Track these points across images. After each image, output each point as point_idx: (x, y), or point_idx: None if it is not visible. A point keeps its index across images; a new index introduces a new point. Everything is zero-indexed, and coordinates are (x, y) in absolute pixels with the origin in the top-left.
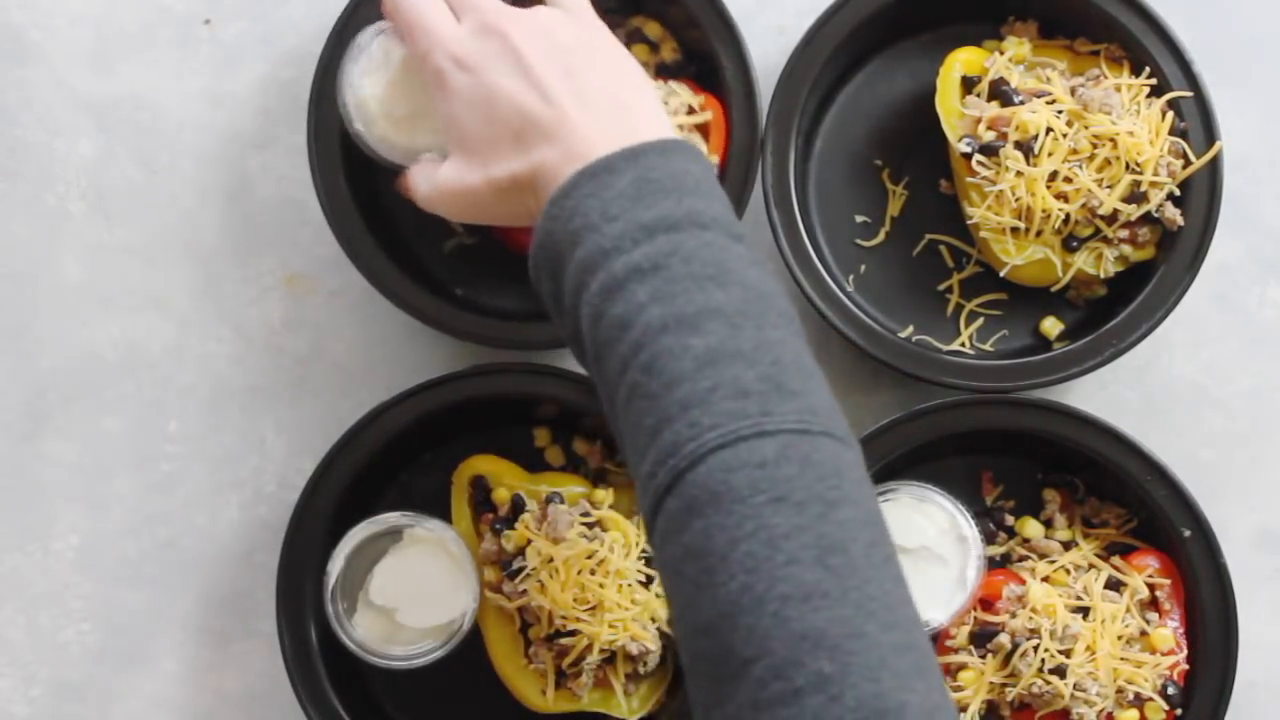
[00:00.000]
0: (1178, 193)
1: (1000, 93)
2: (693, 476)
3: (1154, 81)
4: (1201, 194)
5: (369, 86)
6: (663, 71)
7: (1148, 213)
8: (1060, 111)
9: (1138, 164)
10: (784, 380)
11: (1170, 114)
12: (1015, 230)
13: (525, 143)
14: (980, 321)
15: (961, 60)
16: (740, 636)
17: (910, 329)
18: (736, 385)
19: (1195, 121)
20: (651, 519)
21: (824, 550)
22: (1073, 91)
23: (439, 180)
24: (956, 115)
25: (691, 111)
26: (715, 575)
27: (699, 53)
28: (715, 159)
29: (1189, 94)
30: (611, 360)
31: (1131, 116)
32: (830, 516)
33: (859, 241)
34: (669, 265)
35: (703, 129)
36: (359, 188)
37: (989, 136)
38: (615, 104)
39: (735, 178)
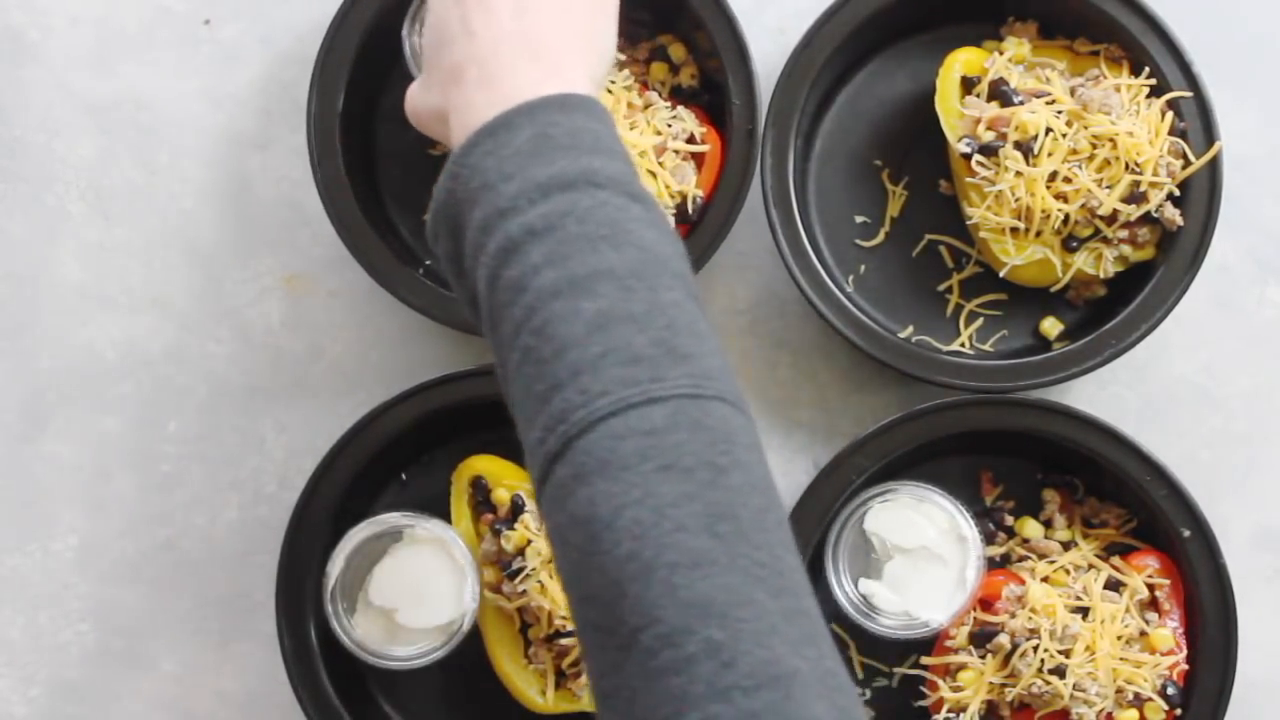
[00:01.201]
0: (1177, 193)
1: (1000, 93)
2: (582, 444)
3: (1154, 81)
4: (1201, 194)
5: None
6: (677, 95)
7: (1147, 213)
8: (1060, 112)
9: (1137, 164)
10: (676, 344)
11: (1170, 114)
12: (1015, 230)
13: (444, 78)
14: (980, 321)
15: (961, 60)
16: (629, 605)
17: (910, 329)
18: (628, 350)
19: (1195, 121)
20: (540, 487)
21: (713, 517)
22: (1072, 92)
23: (408, 90)
24: (956, 115)
25: (691, 140)
26: (601, 542)
27: (716, 83)
28: (700, 193)
29: (1189, 94)
30: (506, 324)
31: (1131, 116)
32: (719, 483)
33: (859, 241)
34: (563, 226)
35: (698, 159)
36: (359, 185)
37: (989, 137)
38: (532, 54)
39: (720, 213)
